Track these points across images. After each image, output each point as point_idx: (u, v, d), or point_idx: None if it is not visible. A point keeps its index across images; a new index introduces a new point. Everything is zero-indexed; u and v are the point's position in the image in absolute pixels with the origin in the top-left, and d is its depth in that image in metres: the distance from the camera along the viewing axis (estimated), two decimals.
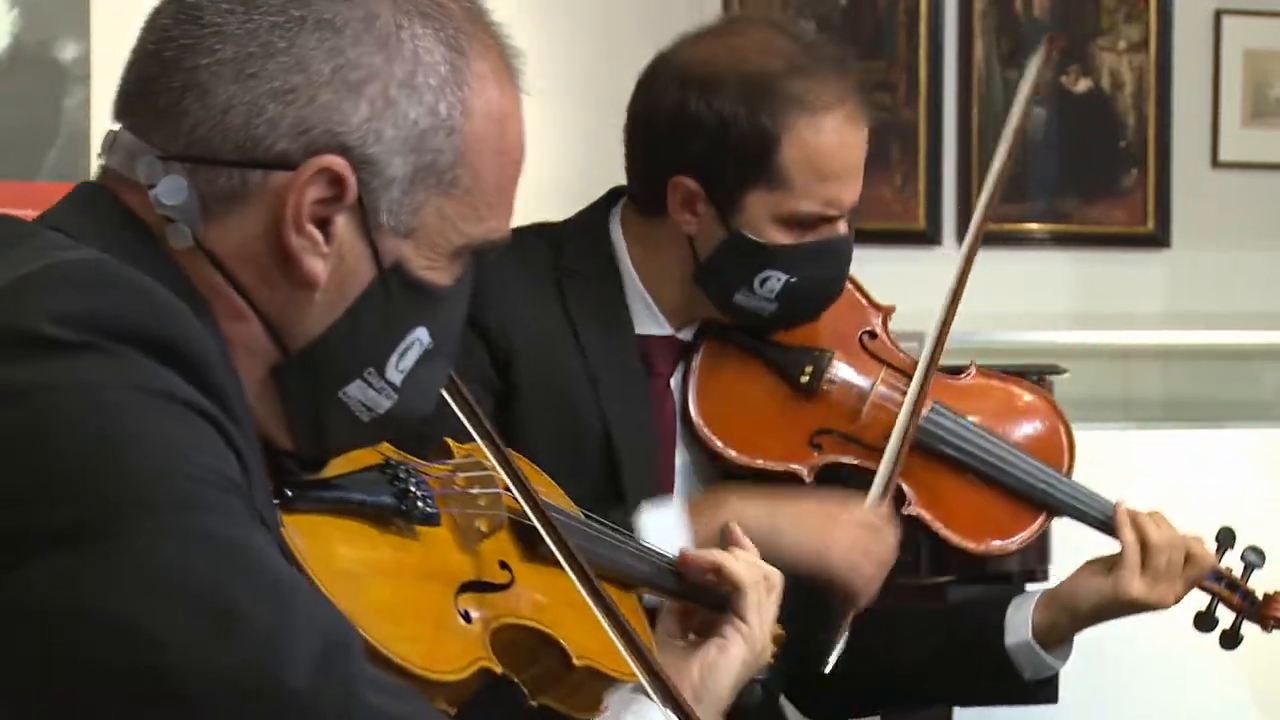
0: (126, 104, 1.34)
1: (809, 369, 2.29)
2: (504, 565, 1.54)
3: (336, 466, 1.43)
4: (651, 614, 1.79)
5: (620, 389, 2.26)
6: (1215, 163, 5.62)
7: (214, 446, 1.18)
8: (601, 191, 2.43)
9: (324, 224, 1.29)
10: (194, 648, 1.08)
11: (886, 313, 2.41)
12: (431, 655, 1.39)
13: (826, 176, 2.23)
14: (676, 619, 1.80)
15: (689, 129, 2.22)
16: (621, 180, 2.40)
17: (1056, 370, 3.19)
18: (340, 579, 1.35)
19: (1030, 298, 5.02)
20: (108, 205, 1.32)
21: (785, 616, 1.82)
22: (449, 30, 1.32)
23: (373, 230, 1.30)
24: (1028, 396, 2.45)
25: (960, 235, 5.38)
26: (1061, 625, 2.32)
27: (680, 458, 2.31)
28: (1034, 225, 5.43)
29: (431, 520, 1.48)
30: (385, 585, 1.40)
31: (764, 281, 2.22)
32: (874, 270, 2.48)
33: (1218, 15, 5.58)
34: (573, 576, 1.45)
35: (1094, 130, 5.50)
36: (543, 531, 1.46)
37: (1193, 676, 4.29)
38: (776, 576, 1.78)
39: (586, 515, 1.77)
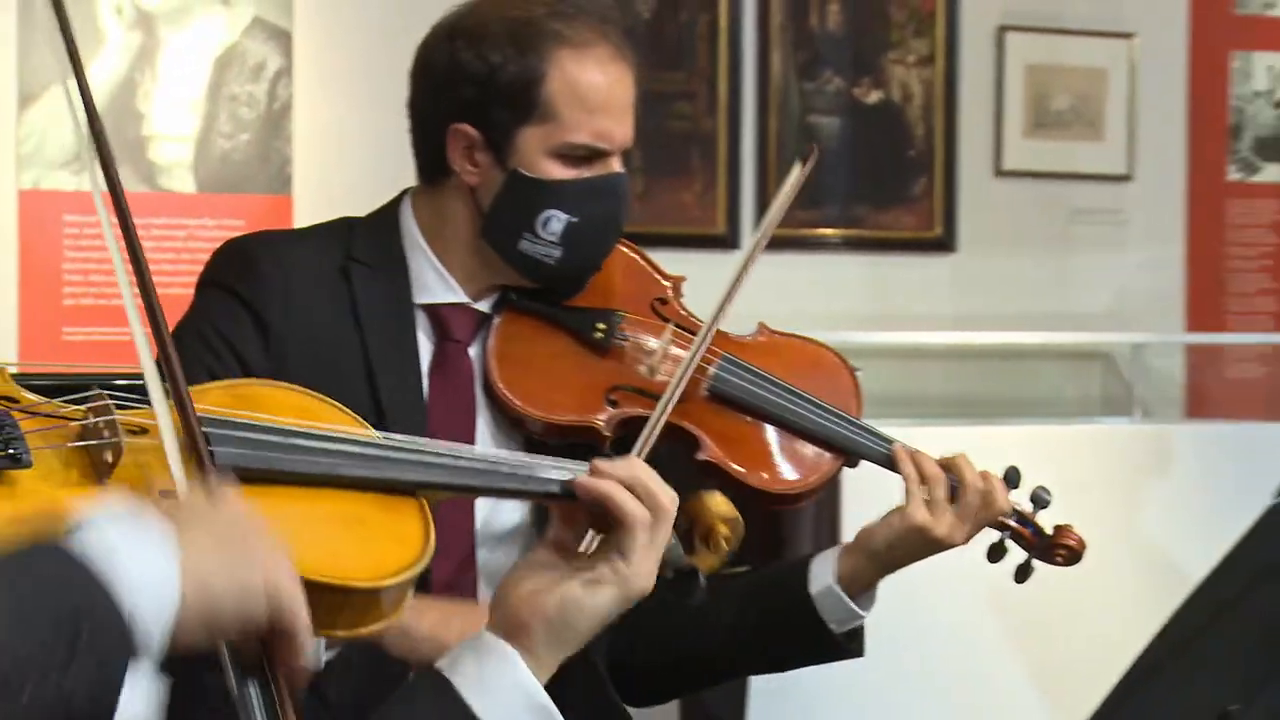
0: None
1: (601, 326, 2.29)
2: (165, 494, 1.43)
3: None
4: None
5: (397, 368, 2.25)
6: (998, 171, 5.70)
7: None
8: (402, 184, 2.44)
9: None
10: None
11: (676, 281, 2.41)
12: None
13: (593, 109, 2.23)
14: (562, 524, 1.61)
15: (460, 77, 2.23)
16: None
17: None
18: None
19: (825, 299, 5.07)
20: None
21: None
22: None
23: None
24: (814, 349, 2.46)
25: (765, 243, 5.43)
26: (863, 569, 2.33)
27: (482, 423, 2.29)
28: (828, 230, 5.48)
29: (18, 462, 1.37)
30: None
31: (546, 223, 2.22)
32: (674, 271, 2.48)
33: (1000, 31, 5.66)
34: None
35: (884, 140, 5.56)
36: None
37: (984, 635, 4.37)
38: (672, 503, 1.60)
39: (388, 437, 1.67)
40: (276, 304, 2.23)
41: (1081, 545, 2.38)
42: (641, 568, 1.55)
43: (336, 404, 1.70)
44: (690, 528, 1.76)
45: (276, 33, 4.48)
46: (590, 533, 1.61)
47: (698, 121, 5.31)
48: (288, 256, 2.28)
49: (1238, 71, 6.03)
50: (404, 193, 2.38)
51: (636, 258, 2.43)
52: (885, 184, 5.56)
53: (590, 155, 2.25)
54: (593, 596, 1.54)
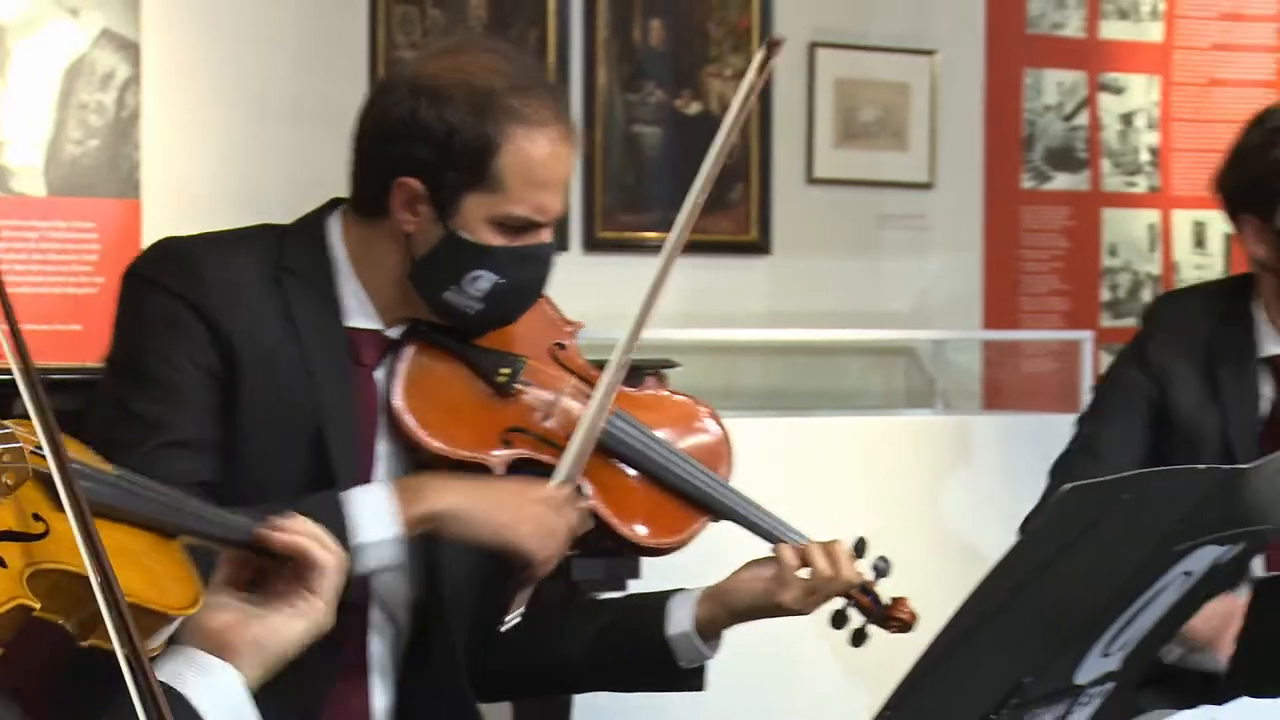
0: None
1: (505, 370, 2.29)
2: (38, 517, 1.48)
3: None
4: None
5: (331, 380, 2.24)
6: (810, 179, 5.73)
7: None
8: (307, 196, 2.41)
9: None
10: None
11: (575, 328, 2.42)
12: None
13: (538, 184, 2.25)
14: (234, 566, 1.73)
15: (418, 134, 2.22)
16: (323, 186, 2.40)
17: (670, 364, 3.22)
18: None
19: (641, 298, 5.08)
20: None
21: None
22: None
23: None
24: (694, 409, 2.48)
25: (587, 245, 5.43)
26: (719, 619, 2.35)
27: (382, 446, 2.29)
28: (651, 234, 5.47)
29: None
30: None
31: (474, 280, 2.23)
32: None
33: (811, 48, 5.70)
34: (69, 513, 1.38)
35: (703, 149, 5.53)
36: (57, 479, 1.38)
37: (812, 663, 4.39)
38: (343, 557, 1.74)
39: (123, 476, 1.69)
40: (227, 309, 2.21)
41: (913, 618, 2.40)
42: (327, 604, 1.69)
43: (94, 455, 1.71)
44: None
45: (125, 44, 4.41)
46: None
47: None
48: (232, 261, 2.26)
49: (1030, 87, 6.11)
50: (331, 205, 2.36)
51: (544, 303, 2.43)
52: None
53: (526, 226, 2.25)
54: (288, 626, 1.66)
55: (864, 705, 1.46)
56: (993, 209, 6.03)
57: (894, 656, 1.46)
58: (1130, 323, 6.20)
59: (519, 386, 2.30)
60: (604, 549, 2.44)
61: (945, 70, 5.89)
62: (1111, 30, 6.22)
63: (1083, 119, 6.18)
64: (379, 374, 2.29)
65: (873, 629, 2.41)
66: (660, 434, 2.39)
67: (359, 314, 2.28)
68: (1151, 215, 6.30)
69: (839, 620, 2.41)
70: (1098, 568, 1.57)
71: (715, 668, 2.46)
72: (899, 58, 5.83)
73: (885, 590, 2.39)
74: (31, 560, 1.45)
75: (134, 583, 1.50)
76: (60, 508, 1.39)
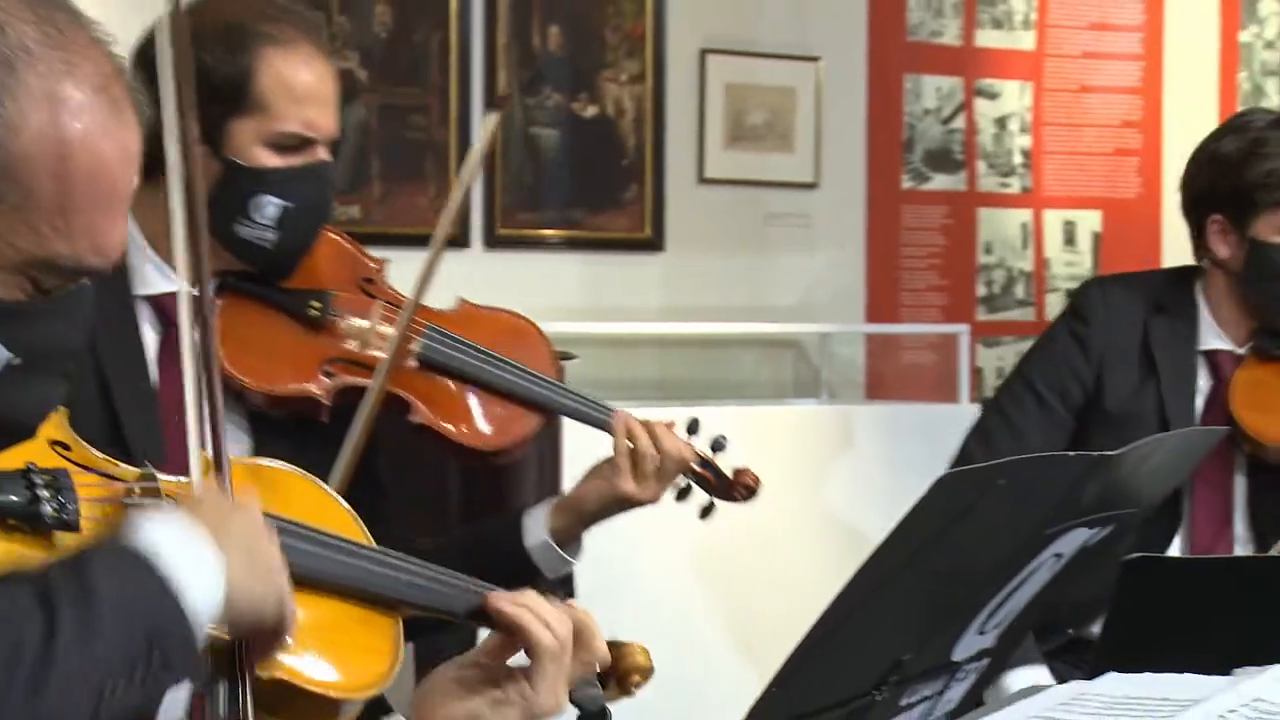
0: None
1: (315, 304, 2.25)
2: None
3: None
4: None
5: (121, 357, 2.19)
6: (701, 179, 5.73)
7: None
8: None
9: None
10: None
11: (381, 265, 2.39)
12: None
13: (301, 99, 2.20)
14: (495, 646, 1.56)
15: None
16: None
17: (568, 356, 3.21)
18: None
19: (546, 294, 5.04)
20: None
21: None
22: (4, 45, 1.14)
23: None
24: (509, 318, 2.45)
25: (487, 242, 5.41)
26: (572, 524, 2.33)
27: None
28: (549, 231, 5.47)
29: (68, 526, 1.29)
30: None
31: (260, 208, 2.18)
32: (413, 269, 2.46)
33: (702, 54, 5.70)
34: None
35: (599, 150, 5.57)
36: None
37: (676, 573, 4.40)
38: (569, 642, 1.53)
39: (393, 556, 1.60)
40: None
41: (757, 482, 2.40)
42: (546, 695, 1.51)
43: (341, 501, 1.63)
44: (610, 672, 1.71)
45: None
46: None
47: (431, 132, 5.27)
48: None
49: (910, 92, 6.14)
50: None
51: (343, 242, 2.39)
52: (600, 190, 5.57)
53: (300, 144, 2.22)
54: (498, 717, 1.50)
55: (752, 682, 1.46)
56: (874, 208, 6.06)
57: (781, 636, 1.46)
58: (1004, 317, 6.26)
59: (331, 317, 2.27)
60: (461, 468, 2.41)
61: (829, 76, 5.91)
62: (986, 38, 6.26)
63: (959, 123, 6.22)
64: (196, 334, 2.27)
65: (721, 502, 2.40)
66: (481, 343, 2.36)
67: (159, 279, 2.22)
68: (1024, 214, 6.35)
69: (683, 495, 2.40)
70: (974, 550, 1.58)
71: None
72: (785, 64, 5.84)
73: (725, 461, 2.39)
74: None
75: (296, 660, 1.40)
76: None
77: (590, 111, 5.56)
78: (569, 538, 2.34)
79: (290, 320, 2.28)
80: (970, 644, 1.70)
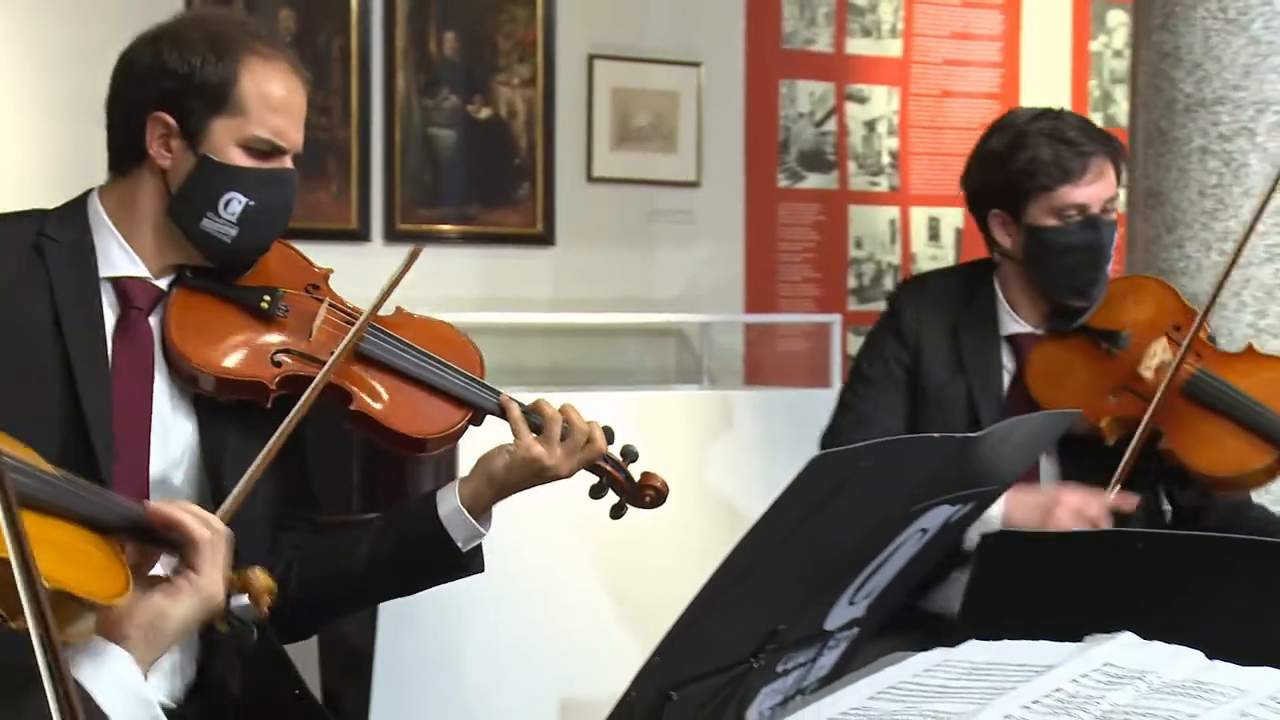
0: None
1: (267, 298, 2.28)
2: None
3: None
4: None
5: (81, 327, 2.21)
6: (589, 178, 5.72)
7: None
8: (76, 185, 2.38)
9: None
10: None
11: (326, 273, 2.41)
12: None
13: (276, 109, 2.24)
14: (136, 555, 1.64)
15: (163, 73, 2.22)
16: (93, 180, 2.36)
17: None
18: None
19: (444, 285, 5.02)
20: None
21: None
22: None
23: None
24: (442, 324, 2.47)
25: (387, 236, 5.38)
26: (482, 492, 2.33)
27: (160, 382, 2.26)
28: (446, 226, 5.45)
29: None
30: None
31: (227, 204, 2.22)
32: (318, 262, 2.46)
33: (590, 59, 5.69)
34: None
35: (494, 150, 5.55)
36: None
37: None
38: (225, 533, 1.66)
39: (64, 475, 1.63)
40: None
41: (665, 488, 2.42)
42: (211, 579, 1.61)
43: (26, 448, 1.64)
44: (247, 594, 1.81)
45: None
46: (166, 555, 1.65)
47: (333, 132, 5.24)
48: None
49: (785, 96, 6.16)
50: (89, 190, 2.33)
51: (292, 250, 2.43)
52: (494, 187, 5.56)
53: (270, 151, 2.25)
54: (175, 605, 1.58)
55: (637, 651, 1.46)
56: (752, 205, 6.08)
57: (665, 607, 1.46)
58: (874, 307, 6.29)
59: (281, 312, 2.29)
60: (390, 454, 2.43)
61: (710, 80, 5.91)
62: (856, 46, 6.29)
63: (831, 125, 6.25)
64: (153, 320, 2.27)
65: (631, 507, 2.42)
66: (415, 343, 2.39)
67: (125, 263, 2.26)
68: (892, 211, 6.39)
69: (598, 492, 2.42)
70: (844, 527, 1.58)
71: (508, 610, 2.44)
72: (669, 69, 5.84)
73: (636, 470, 2.42)
74: None
75: (57, 571, 1.44)
76: None
77: (484, 113, 5.54)
78: (480, 508, 2.35)
79: (242, 312, 2.30)
80: (841, 614, 1.71)
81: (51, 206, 2.33)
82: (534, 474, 2.34)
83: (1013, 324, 2.91)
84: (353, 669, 3.74)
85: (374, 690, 3.87)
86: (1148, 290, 2.96)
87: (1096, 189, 2.79)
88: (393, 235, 5.38)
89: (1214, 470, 2.77)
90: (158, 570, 1.74)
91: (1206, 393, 2.78)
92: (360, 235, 5.26)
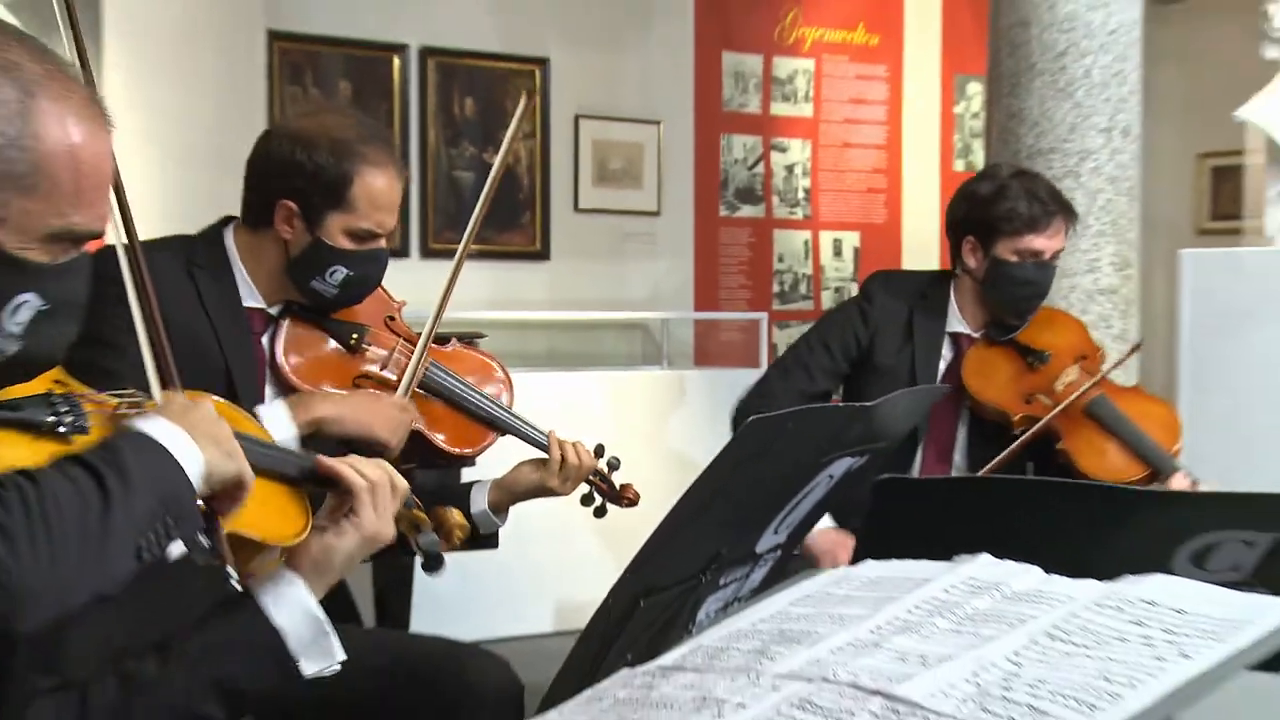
0: None
1: (354, 336, 2.24)
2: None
3: (13, 392, 1.23)
4: None
5: (235, 343, 2.17)
6: (576, 209, 5.72)
7: None
8: (201, 213, 2.33)
9: None
10: None
11: (400, 305, 2.37)
12: None
13: (380, 207, 2.19)
14: (332, 507, 1.53)
15: (294, 170, 2.16)
16: (192, 213, 2.31)
17: (480, 335, 3.18)
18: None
19: (464, 291, 5.00)
20: None
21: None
22: (21, 80, 1.12)
23: None
24: (488, 360, 2.44)
25: (422, 253, 5.36)
26: (504, 501, 2.32)
27: (269, 390, 2.22)
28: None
29: (81, 431, 1.25)
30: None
31: (333, 274, 2.18)
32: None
33: (576, 118, 5.68)
34: None
35: (504, 188, 5.54)
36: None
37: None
38: (393, 482, 1.53)
39: (270, 442, 1.57)
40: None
41: (637, 496, 2.40)
42: (369, 520, 1.48)
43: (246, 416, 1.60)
44: (440, 529, 1.75)
45: None
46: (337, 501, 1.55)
47: None
48: (153, 262, 2.18)
49: (724, 147, 6.16)
50: (225, 220, 2.28)
51: (379, 288, 2.38)
52: (503, 216, 5.55)
53: (370, 236, 2.20)
54: (340, 542, 1.47)
55: (612, 569, 1.45)
56: (700, 230, 6.08)
57: (635, 538, 1.45)
58: (792, 307, 6.29)
59: (364, 346, 2.25)
60: (430, 462, 2.39)
61: (667, 135, 5.91)
62: (779, 109, 6.29)
63: (760, 169, 6.24)
64: (265, 339, 2.23)
65: (611, 506, 2.40)
66: (463, 376, 2.35)
67: (249, 297, 2.22)
68: (805, 234, 6.39)
69: (587, 500, 2.40)
70: (771, 473, 1.57)
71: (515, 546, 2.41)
72: (636, 125, 5.84)
73: (617, 479, 2.39)
74: None
75: (252, 520, 1.37)
76: None
77: (496, 160, 5.53)
78: (499, 508, 2.33)
79: (334, 343, 2.26)
80: (768, 540, 1.70)
81: (159, 235, 2.28)
82: (545, 494, 2.34)
83: (957, 324, 2.87)
84: (396, 581, 3.72)
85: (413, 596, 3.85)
86: (1064, 323, 2.92)
87: (1053, 241, 2.76)
88: (426, 252, 5.36)
89: (1095, 475, 2.73)
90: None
91: (1104, 415, 2.75)
92: (401, 253, 5.24)
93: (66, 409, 1.26)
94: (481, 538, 2.34)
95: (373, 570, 3.91)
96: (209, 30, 4.59)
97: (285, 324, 2.22)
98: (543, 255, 5.64)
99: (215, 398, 1.50)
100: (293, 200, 2.16)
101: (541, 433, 2.35)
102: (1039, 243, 2.75)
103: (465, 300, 2.57)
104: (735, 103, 6.17)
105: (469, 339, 2.65)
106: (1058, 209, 2.78)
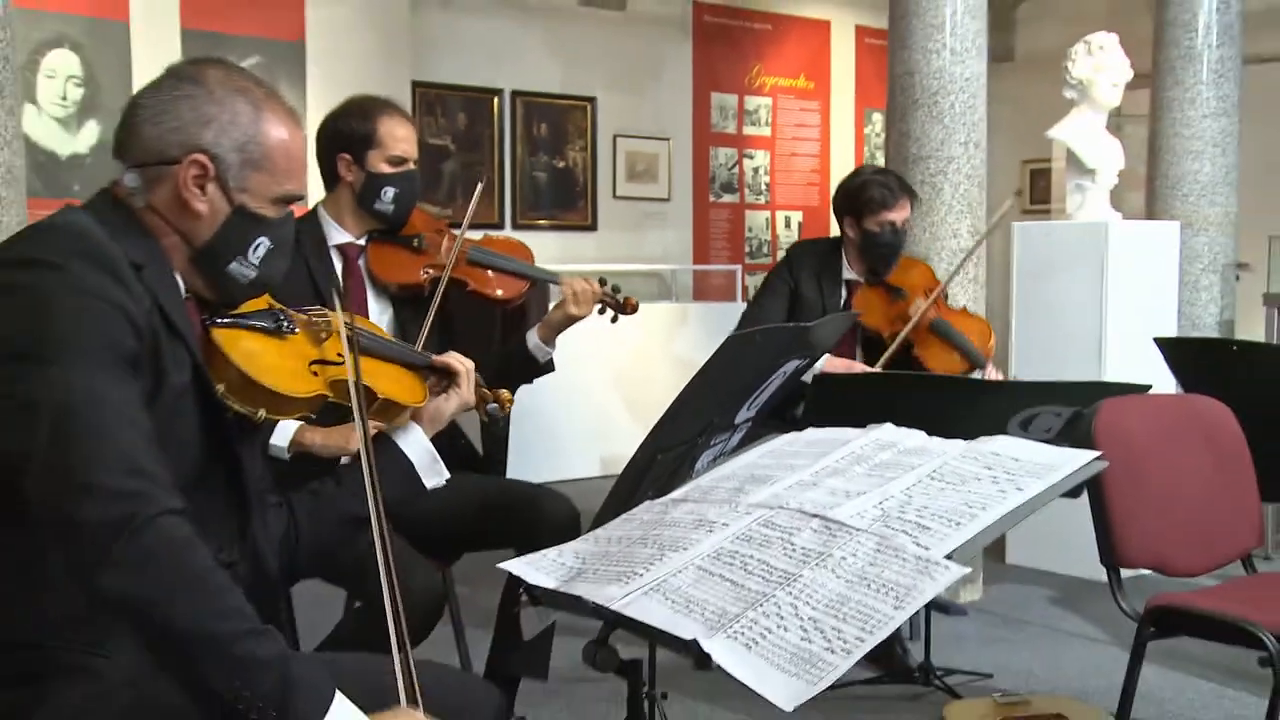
0: (116, 145, 1.15)
1: (416, 241, 2.05)
2: (340, 355, 1.30)
3: (248, 307, 1.24)
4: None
5: (321, 270, 2.02)
6: (614, 196, 5.66)
7: (111, 326, 1.01)
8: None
9: (201, 186, 1.13)
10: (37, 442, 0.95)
11: (446, 222, 2.17)
12: (292, 386, 1.22)
13: (400, 140, 1.99)
14: (433, 383, 1.49)
15: (337, 133, 2.03)
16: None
17: (555, 280, 2.99)
18: (245, 355, 1.18)
19: (540, 251, 4.96)
20: (105, 196, 1.15)
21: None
22: (252, 98, 1.14)
23: (226, 187, 1.13)
24: (514, 241, 2.24)
25: (513, 225, 5.31)
26: (549, 335, 2.16)
27: (370, 293, 2.08)
28: (541, 220, 5.40)
29: (292, 331, 1.27)
30: (270, 358, 1.21)
31: (385, 194, 2.01)
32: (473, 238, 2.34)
33: (615, 137, 5.60)
34: (348, 355, 1.25)
35: (566, 182, 5.49)
36: (343, 338, 1.26)
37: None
38: (471, 369, 1.48)
39: (391, 339, 1.51)
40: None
41: (637, 304, 2.26)
42: (466, 391, 1.47)
43: (376, 325, 1.54)
44: (497, 399, 1.62)
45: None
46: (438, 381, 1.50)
47: (489, 172, 5.20)
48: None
49: (713, 155, 6.07)
50: (318, 203, 2.12)
51: (429, 214, 2.19)
52: (565, 201, 5.49)
53: (401, 162, 2.03)
54: (446, 404, 1.44)
55: (639, 431, 1.43)
56: (697, 212, 6.01)
57: (654, 409, 1.43)
58: (758, 262, 6.23)
59: (424, 247, 2.06)
60: (490, 312, 2.21)
61: (675, 147, 5.84)
62: (749, 130, 6.19)
63: (736, 170, 6.16)
64: (361, 262, 2.08)
65: (621, 317, 2.23)
66: (499, 252, 2.16)
67: (339, 235, 2.05)
68: (766, 214, 6.32)
69: (603, 310, 2.22)
70: (744, 370, 1.56)
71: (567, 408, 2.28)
72: (654, 141, 5.75)
73: (620, 296, 2.22)
74: (331, 374, 1.30)
75: (388, 388, 1.36)
76: (354, 351, 1.26)
77: (561, 164, 5.47)
78: (547, 341, 2.18)
79: (407, 249, 2.11)
80: (742, 415, 1.69)
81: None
82: (571, 320, 2.17)
83: (848, 274, 2.81)
84: (494, 440, 3.70)
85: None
86: (917, 268, 2.86)
87: (902, 213, 2.69)
88: (515, 225, 5.32)
89: (939, 370, 2.65)
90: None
91: (941, 329, 2.69)
92: (498, 225, 5.20)
93: (283, 317, 1.28)
94: (542, 367, 2.19)
95: (481, 437, 3.89)
96: (375, 80, 4.52)
97: (370, 245, 2.09)
98: (592, 227, 5.60)
99: (359, 317, 1.47)
100: (345, 152, 2.03)
101: (556, 278, 2.23)
102: (892, 215, 2.70)
103: (541, 259, 2.52)
104: (719, 126, 6.08)
105: (548, 281, 2.53)
106: (903, 192, 2.73)
